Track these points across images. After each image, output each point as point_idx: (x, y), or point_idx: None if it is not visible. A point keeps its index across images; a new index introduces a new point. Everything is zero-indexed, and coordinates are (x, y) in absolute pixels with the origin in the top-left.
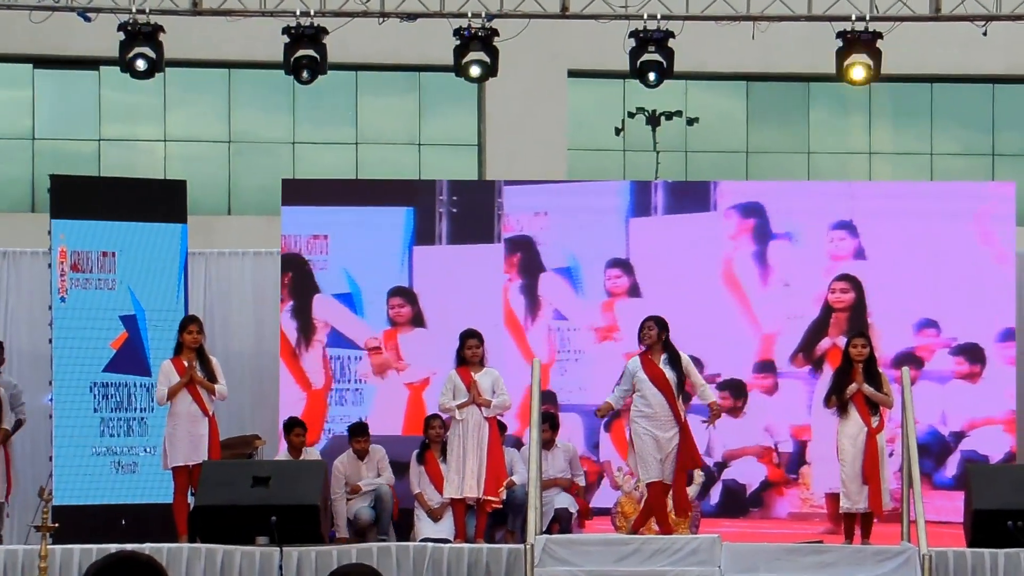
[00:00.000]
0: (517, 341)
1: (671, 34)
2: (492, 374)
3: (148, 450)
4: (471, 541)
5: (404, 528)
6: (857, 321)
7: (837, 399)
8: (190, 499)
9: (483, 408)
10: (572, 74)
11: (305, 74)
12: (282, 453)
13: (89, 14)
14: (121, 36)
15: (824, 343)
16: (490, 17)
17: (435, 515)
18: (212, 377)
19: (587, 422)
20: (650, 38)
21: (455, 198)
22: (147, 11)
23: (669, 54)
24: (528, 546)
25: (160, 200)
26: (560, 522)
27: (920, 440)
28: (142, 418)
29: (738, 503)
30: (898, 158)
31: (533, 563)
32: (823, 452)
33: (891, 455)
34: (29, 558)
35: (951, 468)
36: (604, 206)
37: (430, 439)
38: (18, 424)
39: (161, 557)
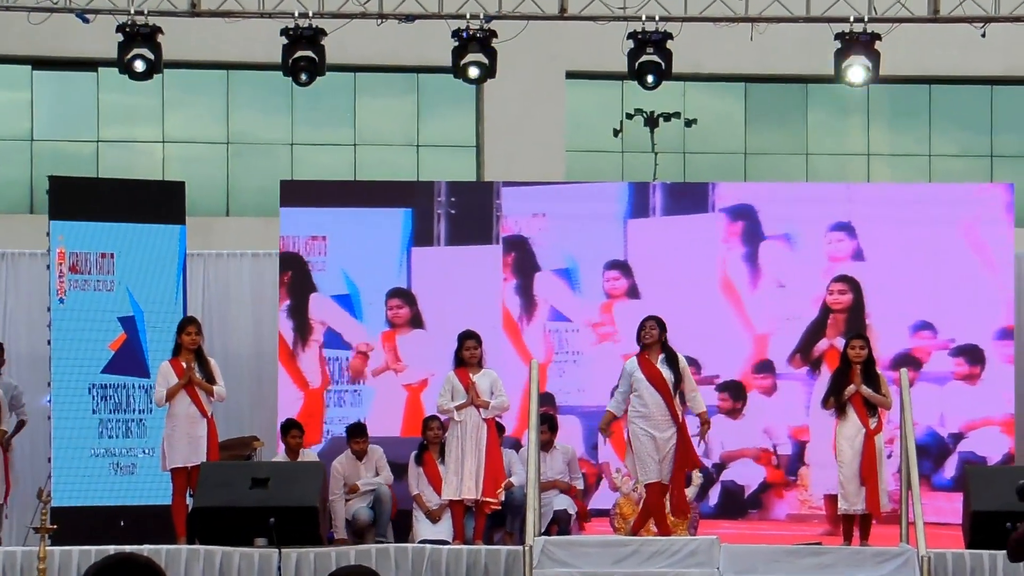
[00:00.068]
0: (514, 342)
1: (669, 35)
2: (490, 375)
3: (147, 451)
4: (469, 542)
5: (402, 529)
6: (855, 322)
7: (835, 400)
8: (189, 500)
9: (481, 409)
10: (570, 75)
11: (303, 76)
12: (280, 455)
13: (87, 15)
14: (120, 37)
15: (822, 344)
16: (488, 18)
17: (433, 516)
18: (211, 378)
19: (586, 424)
20: (648, 39)
21: (453, 199)
22: (145, 12)
23: (667, 55)
24: (527, 547)
25: (159, 201)
26: (559, 524)
27: (919, 441)
28: (141, 419)
29: (737, 504)
30: (896, 159)
31: (532, 564)
32: (821, 453)
33: (890, 456)
34: (28, 559)
35: (950, 469)
36: (602, 207)
37: (428, 440)
38: (20, 425)
39: (160, 559)
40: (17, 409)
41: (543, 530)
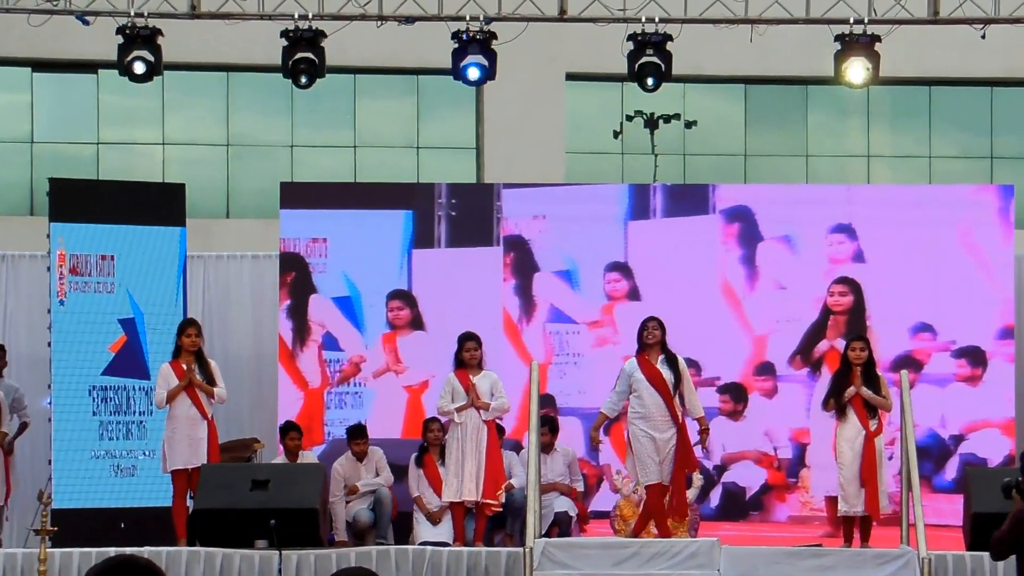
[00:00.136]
0: (514, 343)
1: (669, 37)
2: (491, 377)
3: (147, 453)
4: (470, 544)
5: (403, 531)
6: (856, 324)
7: (835, 402)
8: (189, 502)
9: (482, 411)
10: (570, 77)
11: (303, 78)
12: (279, 457)
13: (87, 17)
14: (119, 39)
15: (822, 345)
16: (488, 20)
17: (434, 518)
18: (211, 380)
19: (587, 425)
20: (648, 41)
21: (454, 201)
22: (145, 14)
23: (667, 57)
24: (527, 549)
25: (159, 203)
26: (559, 526)
27: (920, 443)
28: (141, 421)
29: (738, 506)
30: (896, 161)
31: (532, 566)
32: (822, 455)
33: (891, 458)
34: (28, 561)
35: (951, 471)
36: (603, 209)
37: (429, 442)
38: (23, 427)
39: (160, 561)
40: (19, 411)
41: (543, 532)
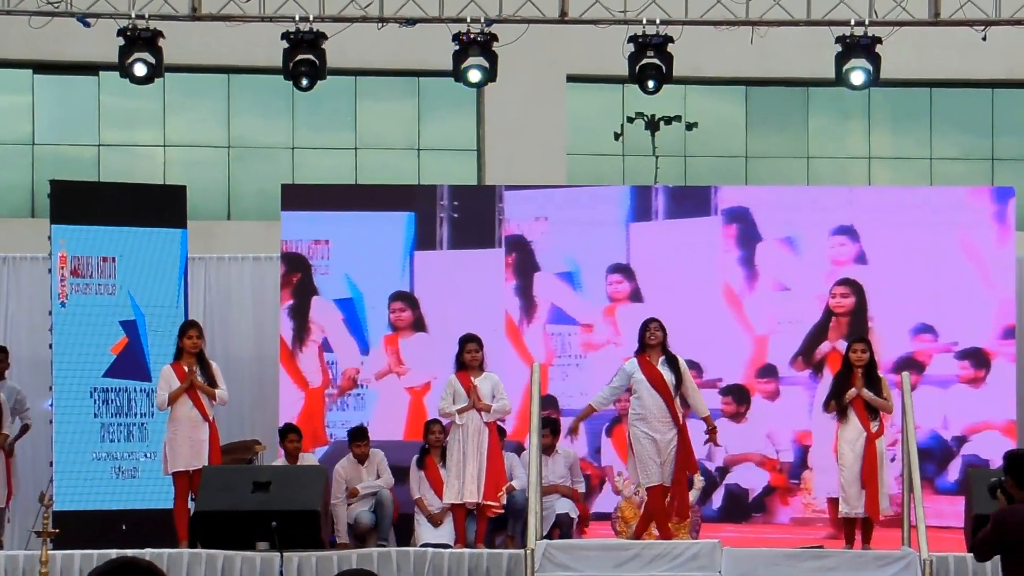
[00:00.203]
0: (515, 343)
1: (670, 39)
2: (492, 379)
3: (148, 455)
4: (471, 546)
5: (404, 533)
6: (858, 326)
7: (836, 404)
8: (190, 504)
9: (483, 413)
10: (571, 79)
11: (304, 80)
12: (279, 460)
13: (88, 19)
14: (121, 41)
15: (824, 347)
16: (489, 22)
17: (435, 520)
18: (212, 382)
19: (588, 427)
20: (649, 43)
21: (456, 203)
22: (146, 16)
23: (668, 59)
24: (528, 551)
25: (160, 205)
26: (561, 527)
27: (922, 445)
28: (142, 423)
29: (741, 508)
30: (897, 163)
31: (533, 568)
32: (824, 457)
33: (893, 460)
34: (30, 563)
35: (953, 473)
36: (605, 211)
37: (430, 444)
38: (24, 428)
39: (161, 563)
40: (21, 413)
41: (545, 534)
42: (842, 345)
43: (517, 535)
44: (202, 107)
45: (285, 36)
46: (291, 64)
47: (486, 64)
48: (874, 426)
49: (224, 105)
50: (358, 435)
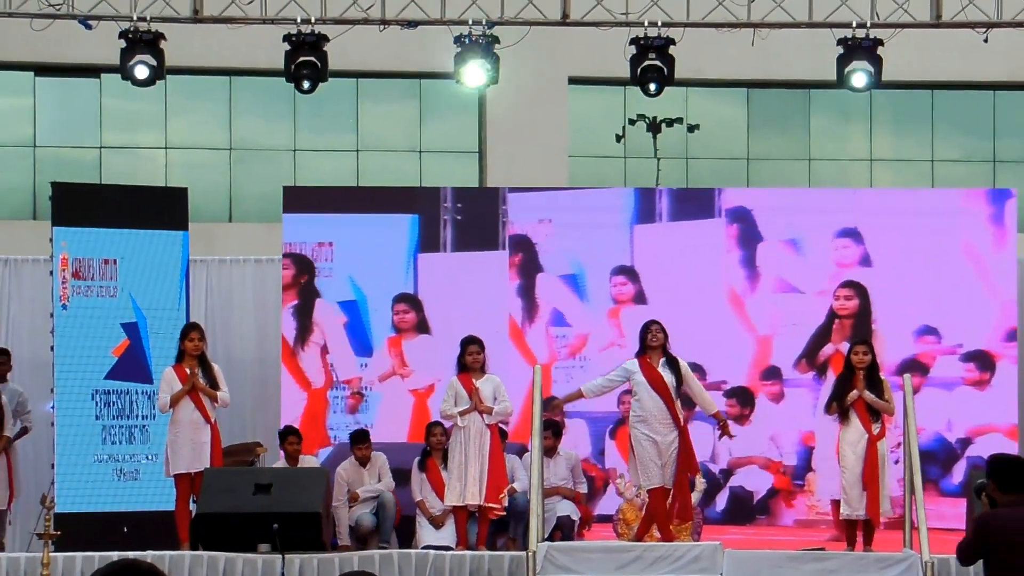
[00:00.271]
0: (517, 344)
1: (672, 41)
2: (493, 381)
3: (150, 457)
4: (473, 548)
5: (406, 536)
6: (862, 328)
7: (838, 406)
8: (192, 506)
9: (485, 415)
10: (573, 81)
11: (306, 83)
12: (280, 462)
13: (90, 22)
14: (122, 43)
15: (827, 349)
16: (491, 24)
17: (437, 522)
18: (214, 384)
19: (593, 428)
20: (651, 45)
21: (459, 205)
22: (148, 18)
23: (670, 61)
24: (530, 553)
25: (161, 207)
26: (562, 529)
27: (927, 447)
28: (144, 426)
29: (745, 510)
30: (899, 165)
31: (535, 570)
32: (826, 458)
33: (897, 462)
34: (31, 565)
35: (958, 475)
36: (608, 213)
37: (431, 446)
38: (22, 431)
39: (163, 565)
40: (22, 415)
41: (546, 536)
42: (845, 347)
43: (519, 537)
44: (203, 109)
45: (287, 38)
46: (293, 66)
47: (488, 66)
48: (875, 428)
49: (226, 107)
50: (360, 438)
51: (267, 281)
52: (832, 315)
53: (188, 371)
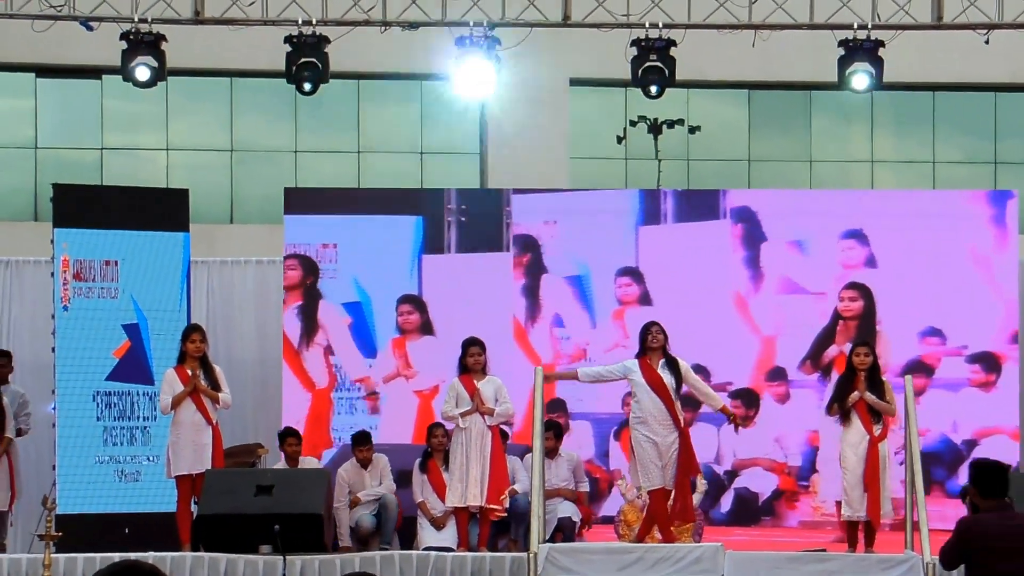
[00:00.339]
0: (521, 344)
1: (673, 43)
2: (495, 382)
3: (151, 459)
4: (474, 549)
5: (408, 537)
6: (866, 329)
7: (839, 407)
8: (193, 508)
9: (486, 416)
10: (574, 82)
11: (307, 85)
12: (281, 463)
13: (91, 23)
14: (123, 45)
15: (832, 350)
16: (492, 26)
17: (438, 523)
18: (216, 386)
19: (597, 430)
20: (652, 47)
21: (464, 207)
22: (149, 20)
23: (671, 62)
24: (531, 554)
25: (162, 209)
26: (563, 531)
27: (932, 448)
28: (145, 427)
29: (749, 511)
30: (900, 166)
31: (536, 571)
32: (830, 460)
33: (902, 464)
34: (33, 567)
35: (963, 476)
36: (613, 214)
37: (433, 447)
38: (19, 433)
39: (164, 566)
40: (19, 417)
41: (548, 537)
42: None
43: (520, 538)
44: (205, 111)
45: (288, 40)
46: (294, 68)
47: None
48: (877, 429)
49: (227, 109)
50: (361, 440)
51: (268, 282)
52: (837, 316)
53: (190, 373)
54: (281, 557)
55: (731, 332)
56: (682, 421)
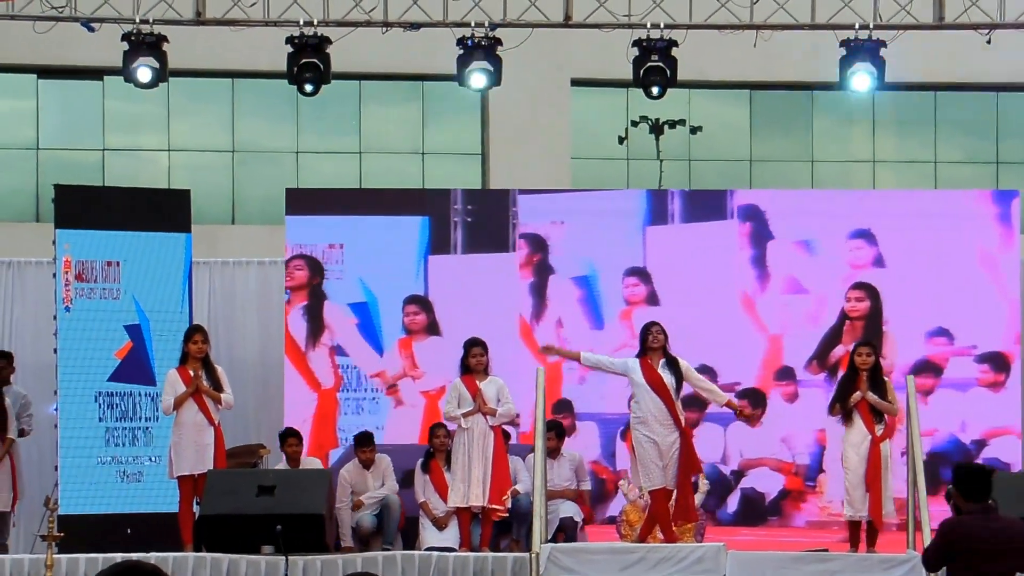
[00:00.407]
0: (529, 344)
1: (674, 43)
2: (497, 383)
3: (153, 459)
4: (476, 550)
5: (411, 537)
6: (872, 329)
7: (841, 407)
8: (195, 508)
9: (488, 417)
10: (575, 83)
11: (308, 85)
12: (282, 464)
13: (93, 24)
14: (125, 46)
15: (838, 350)
16: (493, 26)
17: (440, 524)
18: (218, 387)
19: (604, 430)
20: (653, 47)
21: (470, 207)
22: (151, 21)
23: (672, 63)
24: (533, 555)
25: (164, 209)
26: (565, 531)
27: (941, 448)
28: (147, 427)
29: (756, 511)
30: (902, 166)
31: (538, 571)
32: (837, 459)
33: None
34: (35, 567)
35: None
36: (621, 215)
37: (435, 448)
38: (20, 433)
39: (166, 566)
40: (22, 418)
41: (550, 537)
42: None
43: (522, 538)
44: (206, 111)
45: (289, 40)
46: (295, 68)
47: (490, 68)
48: (879, 429)
49: (228, 109)
50: (364, 441)
51: (270, 283)
52: (843, 316)
53: (192, 373)
54: (283, 557)
55: (738, 332)
56: (683, 421)
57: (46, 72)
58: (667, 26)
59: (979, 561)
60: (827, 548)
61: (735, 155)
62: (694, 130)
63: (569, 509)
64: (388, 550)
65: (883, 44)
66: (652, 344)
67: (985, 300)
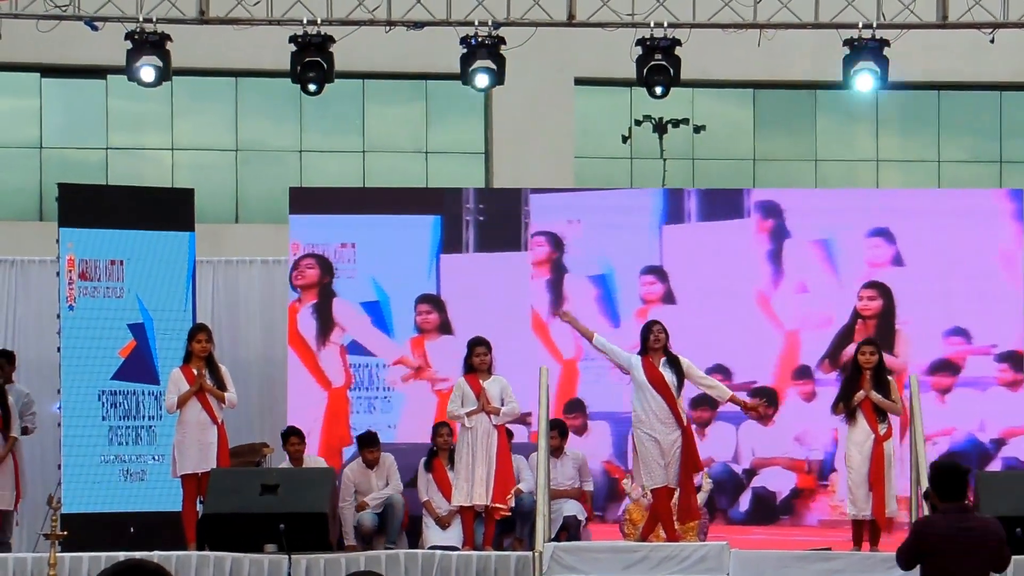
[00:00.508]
0: (543, 340)
1: (678, 42)
2: (500, 382)
3: (156, 458)
4: (479, 548)
5: (415, 536)
6: (885, 328)
7: (844, 406)
8: (199, 507)
9: (492, 416)
10: (579, 82)
11: (312, 84)
12: (285, 463)
13: (96, 23)
14: (128, 45)
15: (850, 349)
16: (497, 25)
17: (443, 522)
18: (221, 385)
19: (616, 430)
20: (657, 46)
21: (482, 206)
22: (154, 20)
23: (676, 62)
24: (536, 553)
25: (168, 208)
26: (568, 530)
27: (959, 447)
28: (150, 426)
29: (768, 510)
30: (906, 165)
31: (541, 570)
32: (840, 458)
33: None
34: (38, 566)
35: None
36: (637, 213)
37: (438, 447)
38: (23, 432)
39: (170, 565)
40: (25, 416)
41: (553, 536)
42: None
43: (525, 537)
44: (210, 110)
45: (293, 39)
46: (299, 67)
47: (494, 67)
48: (882, 428)
49: (232, 108)
50: (368, 441)
51: (274, 282)
52: (856, 315)
53: (195, 372)
54: (286, 556)
55: (755, 330)
56: (684, 419)
57: (50, 71)
58: (671, 25)
59: (946, 560)
60: (830, 547)
61: (738, 154)
62: (698, 129)
63: (572, 508)
64: (392, 549)
65: (887, 43)
66: (654, 344)
67: (1004, 299)
